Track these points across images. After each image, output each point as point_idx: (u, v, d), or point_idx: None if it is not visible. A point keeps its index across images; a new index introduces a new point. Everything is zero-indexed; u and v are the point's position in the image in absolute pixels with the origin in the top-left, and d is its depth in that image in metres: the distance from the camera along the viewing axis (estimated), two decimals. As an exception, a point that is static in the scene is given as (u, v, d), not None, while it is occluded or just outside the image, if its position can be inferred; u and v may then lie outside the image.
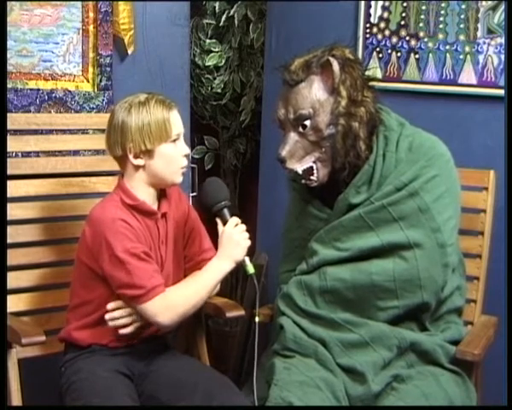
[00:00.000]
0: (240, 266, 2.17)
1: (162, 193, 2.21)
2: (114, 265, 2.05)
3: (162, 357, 2.23)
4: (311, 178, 2.23)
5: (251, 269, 2.16)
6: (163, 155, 2.12)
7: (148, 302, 2.05)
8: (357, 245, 2.18)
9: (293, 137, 2.21)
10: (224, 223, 2.16)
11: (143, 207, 2.14)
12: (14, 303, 2.33)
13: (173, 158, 2.14)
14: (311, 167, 2.22)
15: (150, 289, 2.05)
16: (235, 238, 2.14)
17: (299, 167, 2.22)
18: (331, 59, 2.17)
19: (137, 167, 2.13)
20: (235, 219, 2.17)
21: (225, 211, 2.16)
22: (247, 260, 2.15)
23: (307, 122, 2.19)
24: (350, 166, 2.20)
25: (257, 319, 2.14)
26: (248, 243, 2.15)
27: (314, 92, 2.18)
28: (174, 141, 2.13)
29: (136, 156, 2.11)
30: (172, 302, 2.08)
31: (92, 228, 2.10)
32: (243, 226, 2.16)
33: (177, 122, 2.14)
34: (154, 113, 2.10)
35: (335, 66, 2.16)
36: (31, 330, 2.11)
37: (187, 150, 2.18)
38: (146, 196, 2.16)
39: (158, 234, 2.17)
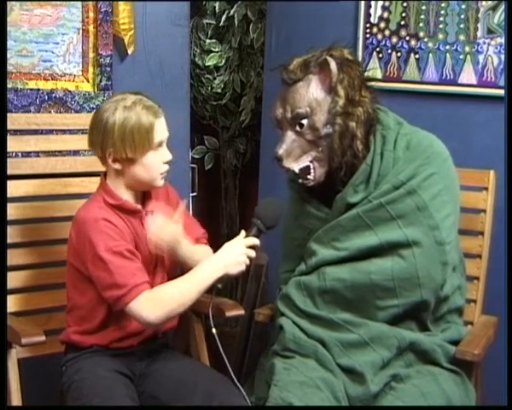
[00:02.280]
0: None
1: (147, 191, 2.20)
2: (97, 265, 2.04)
3: (162, 357, 2.23)
4: (308, 177, 2.23)
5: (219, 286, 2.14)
6: (143, 164, 2.10)
7: (133, 301, 2.02)
8: (356, 244, 2.18)
9: (290, 136, 2.21)
10: (246, 235, 2.13)
11: (126, 205, 2.14)
12: (14, 303, 2.33)
13: (153, 166, 2.11)
14: (308, 167, 2.22)
15: (133, 288, 2.02)
16: (238, 256, 2.09)
17: (296, 166, 2.22)
18: (329, 58, 2.17)
19: (116, 171, 2.12)
20: (254, 241, 2.12)
21: (255, 229, 2.13)
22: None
23: (304, 121, 2.19)
24: (347, 166, 2.20)
25: (214, 331, 2.11)
26: (243, 268, 2.11)
27: (311, 91, 2.19)
28: (156, 148, 2.11)
29: (115, 161, 2.10)
30: (159, 299, 2.05)
31: (76, 229, 2.10)
32: (253, 253, 2.11)
33: (161, 130, 2.11)
34: (138, 120, 2.07)
35: (333, 65, 2.17)
36: (31, 330, 2.11)
37: (169, 157, 2.15)
38: (128, 195, 2.15)
39: (144, 232, 2.16)
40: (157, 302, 2.04)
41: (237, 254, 2.09)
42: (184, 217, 2.25)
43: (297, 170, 2.22)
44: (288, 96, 2.20)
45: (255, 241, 2.12)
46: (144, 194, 2.20)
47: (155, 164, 2.12)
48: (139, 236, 2.15)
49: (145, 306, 2.03)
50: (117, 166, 2.10)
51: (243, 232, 2.14)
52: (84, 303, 2.13)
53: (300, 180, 2.25)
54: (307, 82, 2.19)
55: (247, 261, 2.11)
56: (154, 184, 2.15)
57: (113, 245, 2.04)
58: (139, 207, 2.17)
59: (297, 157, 2.22)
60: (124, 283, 2.02)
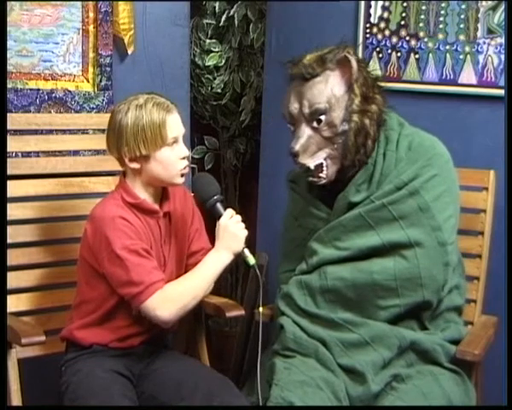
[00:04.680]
0: (240, 262, 2.15)
1: (165, 192, 2.20)
2: (113, 262, 2.05)
3: (162, 358, 2.23)
4: (320, 175, 2.22)
5: (251, 260, 2.14)
6: (159, 160, 2.10)
7: (148, 299, 2.04)
8: (357, 244, 2.18)
9: (307, 131, 2.19)
10: (219, 217, 2.14)
11: (144, 205, 2.14)
12: (14, 303, 2.33)
13: (170, 162, 2.11)
14: (321, 164, 2.21)
15: (149, 285, 2.03)
16: (231, 230, 2.12)
17: (312, 163, 2.20)
18: (349, 55, 2.17)
19: (134, 170, 2.13)
20: (230, 211, 2.15)
21: (218, 205, 2.14)
22: (246, 251, 2.14)
23: (322, 117, 2.18)
24: (359, 164, 2.20)
25: (260, 309, 2.12)
26: (245, 232, 2.13)
27: (330, 87, 2.17)
28: (171, 144, 2.11)
29: (131, 160, 2.11)
30: (171, 295, 2.06)
31: (93, 226, 2.10)
32: (238, 217, 2.14)
33: (174, 125, 2.11)
34: (149, 117, 2.07)
35: (353, 62, 2.16)
36: (31, 330, 2.11)
37: (185, 152, 2.15)
38: (146, 195, 2.15)
39: (160, 233, 2.17)
40: (170, 299, 2.06)
41: (231, 231, 2.11)
42: (199, 223, 2.28)
43: (312, 166, 2.21)
44: (305, 91, 2.18)
45: (231, 211, 2.14)
46: (162, 195, 2.20)
47: (172, 160, 2.11)
48: (154, 236, 2.15)
49: (159, 303, 2.04)
50: (134, 165, 2.11)
51: (226, 213, 2.13)
52: (94, 297, 2.14)
53: (311, 178, 2.24)
54: (325, 78, 2.18)
55: (243, 227, 2.13)
56: (173, 181, 2.14)
57: (130, 243, 2.05)
58: (157, 207, 2.17)
59: (312, 153, 2.20)
60: (140, 280, 2.03)
